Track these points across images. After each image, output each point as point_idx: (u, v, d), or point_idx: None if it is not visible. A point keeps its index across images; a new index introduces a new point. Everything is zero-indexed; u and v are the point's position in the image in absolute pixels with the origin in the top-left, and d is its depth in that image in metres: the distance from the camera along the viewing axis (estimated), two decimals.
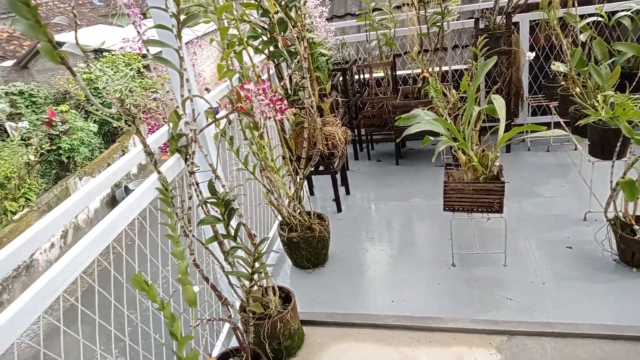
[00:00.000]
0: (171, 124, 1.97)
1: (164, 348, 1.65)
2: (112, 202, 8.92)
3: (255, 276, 1.97)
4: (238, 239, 2.01)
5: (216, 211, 2.02)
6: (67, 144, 8.14)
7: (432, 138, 2.66)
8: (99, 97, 9.61)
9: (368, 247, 2.92)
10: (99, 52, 11.47)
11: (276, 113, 2.06)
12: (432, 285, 2.51)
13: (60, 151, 8.15)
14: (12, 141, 8.79)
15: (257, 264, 1.94)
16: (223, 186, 2.00)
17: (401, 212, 3.30)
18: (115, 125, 9.65)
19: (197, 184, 1.94)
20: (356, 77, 4.12)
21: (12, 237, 6.85)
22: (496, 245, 2.69)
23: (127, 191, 8.87)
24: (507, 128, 3.25)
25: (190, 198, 1.85)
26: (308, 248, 2.69)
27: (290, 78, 3.15)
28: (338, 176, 3.28)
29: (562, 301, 2.29)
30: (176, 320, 1.55)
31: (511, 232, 2.71)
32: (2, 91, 10.71)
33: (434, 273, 2.58)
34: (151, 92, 10.18)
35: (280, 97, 1.95)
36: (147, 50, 1.91)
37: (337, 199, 3.29)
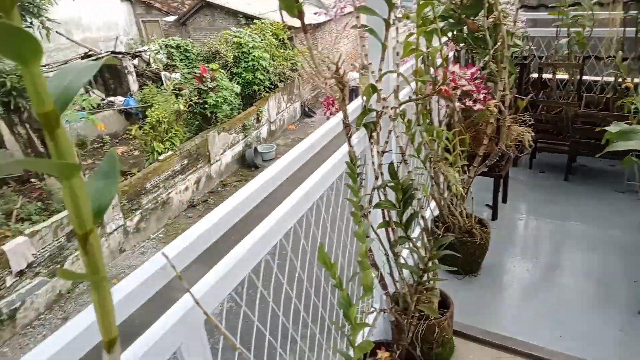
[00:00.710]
0: (364, 97, 1.87)
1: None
2: (241, 159, 9.47)
3: (425, 275, 1.83)
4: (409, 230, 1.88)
5: (385, 194, 1.90)
6: (212, 100, 8.77)
7: (636, 160, 2.24)
8: (245, 61, 10.14)
9: (529, 267, 2.61)
10: (250, 18, 12.09)
11: (475, 102, 1.86)
12: (611, 330, 2.14)
13: (206, 105, 8.81)
14: (165, 90, 9.71)
15: (430, 263, 1.79)
16: (409, 172, 1.87)
17: (569, 236, 2.90)
18: (255, 89, 10.14)
19: (381, 165, 1.83)
20: (533, 75, 3.70)
21: (154, 174, 7.61)
22: None
23: (256, 152, 9.34)
24: None
25: (377, 178, 1.75)
26: (463, 253, 2.47)
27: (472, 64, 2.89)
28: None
29: None
30: (353, 305, 1.47)
31: None
32: (162, 43, 11.86)
33: (614, 316, 2.21)
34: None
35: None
36: (357, 17, 1.82)
37: (494, 206, 3.00)
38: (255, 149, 9.26)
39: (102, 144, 9.68)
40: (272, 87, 11.07)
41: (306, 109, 12.50)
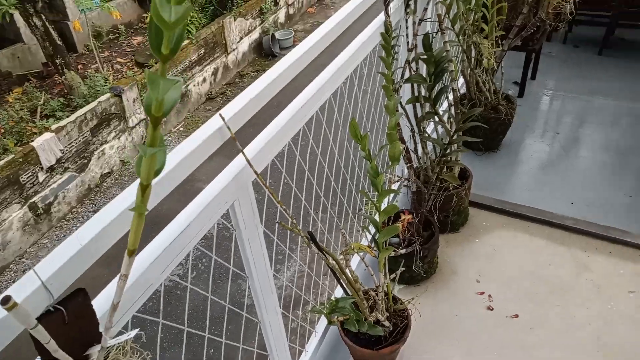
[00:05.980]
0: None
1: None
2: (258, 48, 9.20)
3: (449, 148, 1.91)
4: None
5: (417, 68, 1.89)
6: None
7: None
8: None
9: (548, 142, 2.67)
10: None
11: None
12: (623, 197, 2.26)
13: None
14: None
15: (455, 136, 1.86)
16: (445, 42, 1.84)
17: (597, 111, 2.89)
18: None
19: (416, 35, 1.80)
20: None
21: (172, 65, 7.49)
22: None
23: (274, 40, 9.03)
24: None
25: (410, 50, 1.74)
26: (486, 129, 2.53)
27: None
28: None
29: None
30: (380, 174, 1.57)
31: None
32: None
33: (629, 184, 2.31)
34: None
35: None
36: None
37: (522, 82, 2.96)
38: (273, 35, 8.91)
39: (118, 35, 9.44)
40: None
41: None
